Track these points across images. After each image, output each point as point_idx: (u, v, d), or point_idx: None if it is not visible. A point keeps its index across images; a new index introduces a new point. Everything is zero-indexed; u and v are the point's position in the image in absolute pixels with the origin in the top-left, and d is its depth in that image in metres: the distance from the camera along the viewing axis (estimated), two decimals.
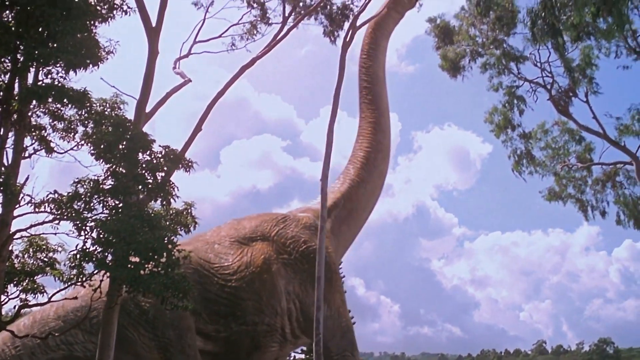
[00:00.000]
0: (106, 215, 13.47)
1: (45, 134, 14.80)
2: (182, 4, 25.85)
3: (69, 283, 13.90)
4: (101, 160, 13.92)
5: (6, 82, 13.79)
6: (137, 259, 12.71)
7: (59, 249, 14.76)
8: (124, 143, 13.93)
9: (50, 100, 13.86)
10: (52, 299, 14.62)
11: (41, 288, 14.59)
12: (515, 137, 34.29)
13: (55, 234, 13.88)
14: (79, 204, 13.40)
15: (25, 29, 13.37)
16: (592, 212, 35.16)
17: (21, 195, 13.18)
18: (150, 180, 14.05)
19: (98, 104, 14.65)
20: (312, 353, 18.28)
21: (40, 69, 13.88)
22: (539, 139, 34.99)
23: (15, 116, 13.73)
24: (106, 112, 14.68)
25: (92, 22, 14.46)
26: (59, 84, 13.63)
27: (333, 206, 21.23)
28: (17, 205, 13.24)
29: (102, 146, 13.82)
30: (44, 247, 14.64)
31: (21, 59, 13.47)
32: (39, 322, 16.91)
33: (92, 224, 12.94)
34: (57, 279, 14.32)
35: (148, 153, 14.19)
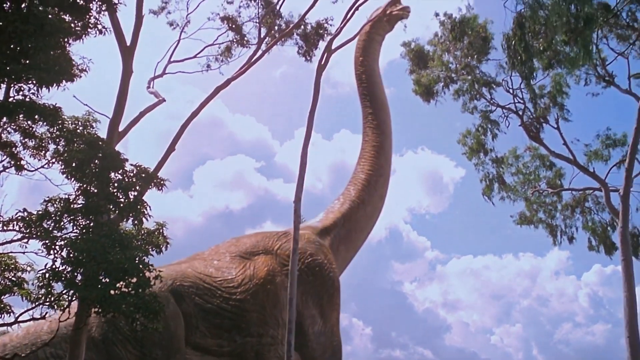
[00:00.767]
0: (76, 234, 13.27)
1: (16, 151, 14.56)
2: (157, 24, 25.84)
3: (37, 303, 13.63)
4: (72, 179, 13.75)
5: None
6: (107, 279, 12.53)
7: (28, 268, 14.44)
8: (96, 162, 13.78)
9: (21, 116, 13.69)
10: (19, 319, 14.31)
11: (8, 308, 14.27)
12: (487, 162, 34.63)
13: (24, 252, 13.67)
14: (48, 222, 13.20)
15: None
16: (561, 237, 35.55)
17: None
18: (122, 200, 13.91)
19: (70, 122, 14.48)
20: None
21: (12, 85, 13.70)
22: (510, 165, 35.37)
23: None
24: (78, 130, 14.49)
25: (65, 40, 14.35)
26: (31, 101, 13.48)
27: (333, 225, 21.45)
28: None
29: (73, 164, 13.65)
30: (12, 266, 14.30)
31: None
32: (31, 334, 16.55)
33: (62, 243, 12.74)
34: (25, 298, 14.00)
35: (120, 172, 14.05)
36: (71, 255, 12.52)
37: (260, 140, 79.13)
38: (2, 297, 14.26)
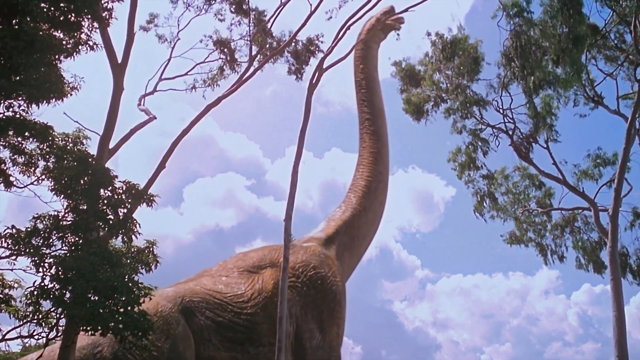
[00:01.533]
0: (65, 252, 13.18)
1: (5, 168, 14.47)
2: (149, 41, 25.92)
3: (25, 320, 13.49)
4: (62, 196, 13.68)
5: None
6: (96, 297, 12.42)
7: (16, 285, 14.35)
8: (86, 179, 13.71)
9: (11, 133, 13.63)
10: (6, 337, 14.17)
11: None
12: (478, 179, 34.79)
13: (12, 269, 13.53)
14: (37, 239, 13.11)
15: None
16: (551, 256, 35.66)
17: None
18: (112, 217, 13.83)
19: (60, 139, 14.42)
20: None
21: (2, 101, 13.64)
22: (500, 184, 35.52)
23: None
24: (68, 147, 14.43)
25: (56, 57, 14.33)
26: (21, 117, 13.43)
27: (335, 233, 21.38)
28: None
29: (63, 181, 13.58)
30: (0, 283, 14.23)
31: None
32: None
33: (51, 260, 12.62)
34: (12, 316, 13.88)
35: (110, 189, 13.98)
36: (60, 272, 12.39)
37: (251, 158, 79.22)
38: None
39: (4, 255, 13.16)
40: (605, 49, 31.26)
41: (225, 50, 25.88)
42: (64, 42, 14.73)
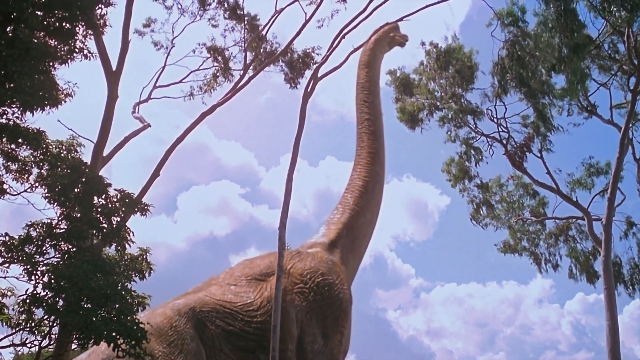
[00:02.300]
0: (58, 259, 13.12)
1: None
2: (144, 49, 25.97)
3: (18, 328, 13.44)
4: (55, 203, 13.63)
5: None
6: (89, 305, 12.37)
7: (8, 293, 14.30)
8: (79, 186, 13.68)
9: (4, 140, 13.60)
10: None
11: None
12: (472, 188, 34.85)
13: (4, 277, 13.45)
14: (30, 247, 13.04)
15: None
16: (545, 265, 35.73)
17: None
18: (105, 225, 13.79)
19: (54, 146, 14.39)
20: None
21: None
22: (495, 193, 35.60)
23: None
24: (62, 154, 14.40)
25: (51, 64, 14.32)
26: (14, 124, 13.40)
27: (338, 237, 21.29)
28: None
29: (56, 189, 13.53)
30: None
31: None
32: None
33: (44, 268, 12.55)
34: (4, 324, 13.82)
35: (103, 197, 13.95)
36: (53, 280, 12.34)
37: (245, 166, 79.25)
38: None
39: None
40: (599, 59, 31.43)
41: (219, 58, 25.93)
42: (59, 50, 14.72)
